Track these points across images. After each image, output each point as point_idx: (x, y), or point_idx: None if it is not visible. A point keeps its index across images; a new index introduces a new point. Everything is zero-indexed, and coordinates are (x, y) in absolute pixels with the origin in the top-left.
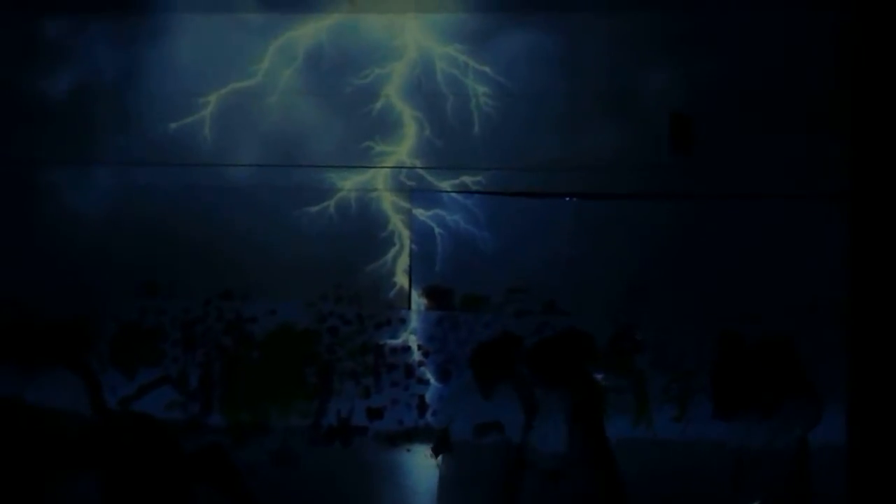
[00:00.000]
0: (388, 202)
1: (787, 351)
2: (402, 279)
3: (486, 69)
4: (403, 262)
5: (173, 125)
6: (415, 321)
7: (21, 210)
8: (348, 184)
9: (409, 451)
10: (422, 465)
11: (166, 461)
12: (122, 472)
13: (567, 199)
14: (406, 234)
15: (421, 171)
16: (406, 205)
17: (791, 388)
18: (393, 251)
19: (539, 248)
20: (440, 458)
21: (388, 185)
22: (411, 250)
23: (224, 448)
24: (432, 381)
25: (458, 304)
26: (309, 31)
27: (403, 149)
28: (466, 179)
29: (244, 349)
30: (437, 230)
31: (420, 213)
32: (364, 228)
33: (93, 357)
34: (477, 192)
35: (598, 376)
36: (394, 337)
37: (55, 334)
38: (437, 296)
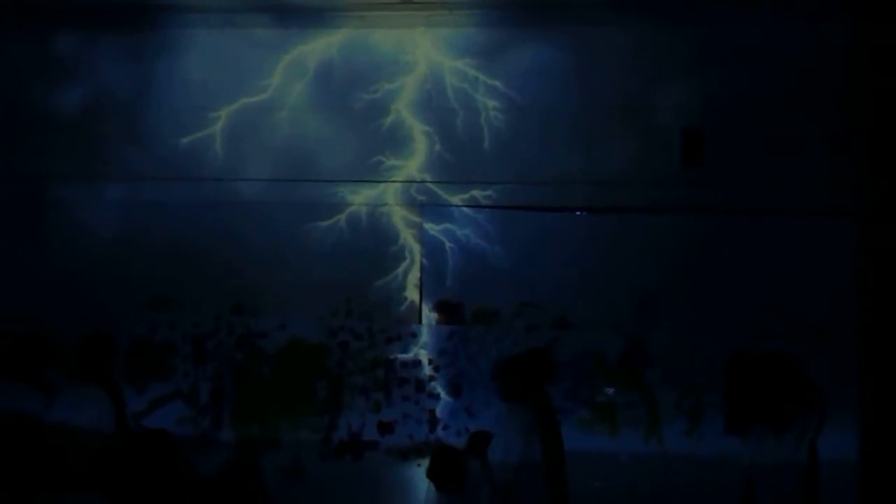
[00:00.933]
0: (399, 217)
1: (793, 367)
2: (412, 294)
3: (497, 83)
4: (414, 276)
5: (183, 140)
6: (425, 336)
7: (30, 225)
8: (359, 198)
9: (419, 465)
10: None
11: (182, 478)
12: (139, 490)
13: (578, 213)
14: (417, 248)
15: (431, 186)
16: (416, 219)
17: (799, 402)
18: (403, 265)
19: (550, 262)
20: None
21: (398, 199)
22: (422, 265)
23: (255, 465)
24: (443, 395)
25: (468, 318)
26: (319, 47)
27: (414, 163)
28: (477, 194)
29: (255, 364)
30: (447, 244)
31: (430, 227)
32: (375, 243)
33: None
34: (487, 206)
35: (609, 390)
36: (404, 351)
37: (85, 351)
38: (448, 310)
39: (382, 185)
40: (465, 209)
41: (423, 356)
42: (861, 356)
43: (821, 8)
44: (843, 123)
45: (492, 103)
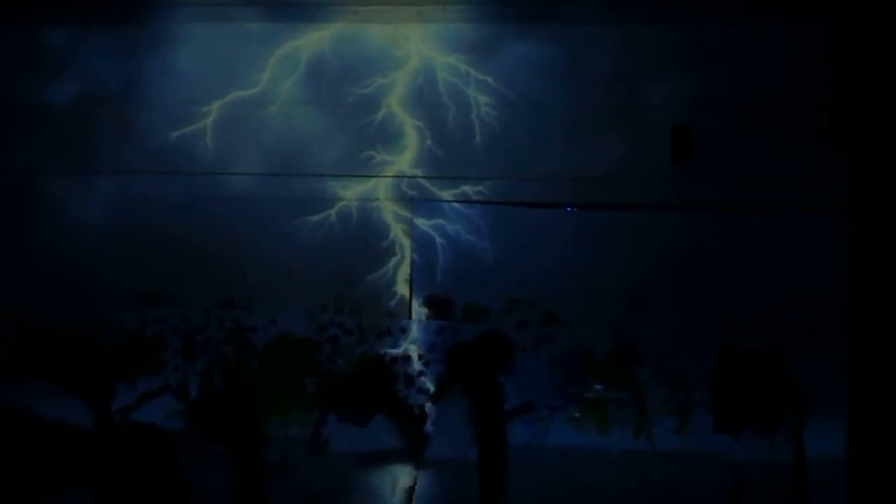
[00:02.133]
0: (390, 212)
1: (773, 360)
2: (402, 289)
3: (488, 79)
4: (404, 271)
5: (174, 134)
6: (415, 331)
7: (22, 219)
8: (349, 193)
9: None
10: (422, 476)
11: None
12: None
13: (568, 209)
14: (407, 243)
15: (422, 181)
16: (407, 214)
17: (783, 396)
18: (394, 261)
19: (540, 258)
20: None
21: (389, 194)
22: (412, 260)
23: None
24: (432, 390)
25: (458, 314)
26: (311, 41)
27: (405, 158)
28: (467, 189)
29: (244, 359)
30: (438, 240)
31: (421, 222)
32: (365, 238)
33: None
34: (478, 201)
35: (598, 387)
36: (394, 347)
37: (75, 348)
38: (438, 306)
39: (373, 179)
40: (455, 205)
41: (413, 352)
42: (850, 354)
43: (807, 8)
44: (831, 121)
45: (483, 99)
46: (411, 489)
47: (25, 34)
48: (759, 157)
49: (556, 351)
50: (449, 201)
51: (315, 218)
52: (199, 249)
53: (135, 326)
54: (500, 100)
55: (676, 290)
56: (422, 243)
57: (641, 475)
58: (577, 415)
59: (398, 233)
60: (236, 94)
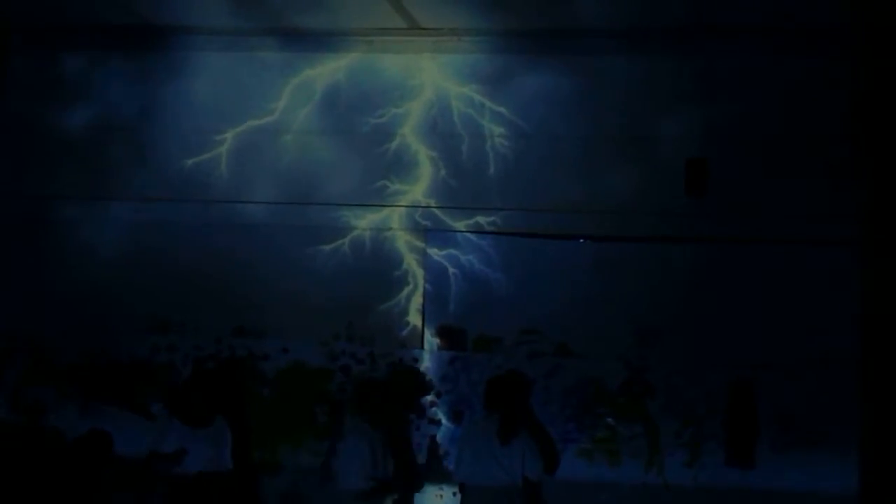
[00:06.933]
0: (403, 241)
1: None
2: (415, 319)
3: (503, 110)
4: (417, 301)
5: (189, 162)
6: (427, 361)
7: (36, 245)
8: (363, 223)
9: (420, 491)
10: None
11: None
12: None
13: (581, 240)
14: (420, 273)
15: (436, 211)
16: (420, 244)
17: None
18: (407, 290)
19: (553, 289)
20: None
21: (402, 224)
22: (425, 290)
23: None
24: (444, 421)
25: (470, 344)
26: (326, 71)
27: (418, 188)
28: (481, 220)
29: (255, 387)
30: (451, 270)
31: (434, 252)
32: (378, 267)
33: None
34: (491, 232)
35: (610, 420)
36: None
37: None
38: (450, 336)
39: (387, 209)
40: (469, 235)
41: None
42: (862, 387)
43: (821, 41)
44: (845, 154)
45: (497, 130)
46: None
47: (42, 61)
48: (774, 190)
49: (567, 383)
50: (462, 232)
51: (328, 247)
52: (212, 277)
53: (146, 353)
54: (515, 131)
55: (689, 322)
56: (434, 273)
57: None
58: (589, 447)
59: (411, 263)
60: (252, 122)
